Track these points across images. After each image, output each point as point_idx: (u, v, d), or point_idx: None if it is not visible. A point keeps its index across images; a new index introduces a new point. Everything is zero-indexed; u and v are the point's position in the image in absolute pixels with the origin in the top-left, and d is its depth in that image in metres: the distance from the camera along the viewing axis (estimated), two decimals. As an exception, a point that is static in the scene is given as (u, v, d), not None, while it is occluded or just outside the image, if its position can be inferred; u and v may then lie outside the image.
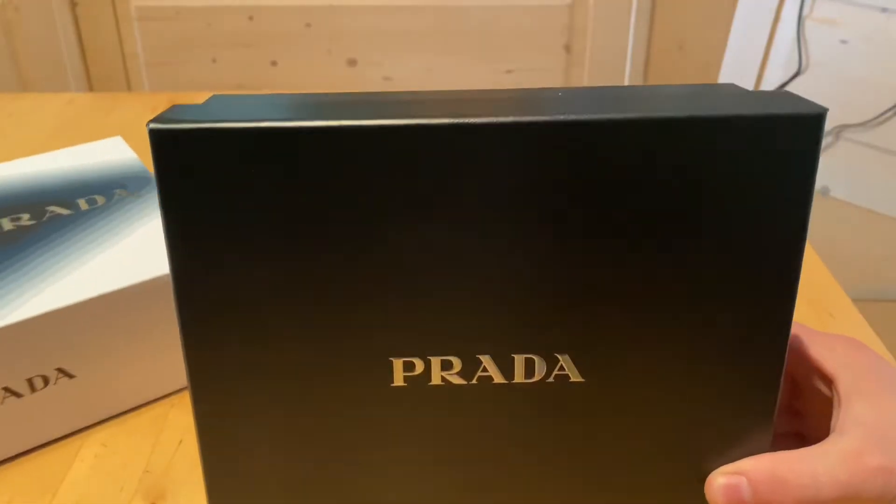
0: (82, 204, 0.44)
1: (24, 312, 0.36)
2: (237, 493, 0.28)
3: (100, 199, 0.45)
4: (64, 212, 0.43)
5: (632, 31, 1.76)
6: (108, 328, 0.38)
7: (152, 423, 0.42)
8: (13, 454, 0.40)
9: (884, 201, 1.67)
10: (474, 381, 0.27)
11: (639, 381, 0.27)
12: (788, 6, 1.65)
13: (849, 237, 1.60)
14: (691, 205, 0.25)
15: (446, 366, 0.26)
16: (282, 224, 0.25)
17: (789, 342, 0.27)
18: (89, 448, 0.41)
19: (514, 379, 0.27)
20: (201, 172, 0.24)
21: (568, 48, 1.77)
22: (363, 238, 0.25)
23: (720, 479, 0.27)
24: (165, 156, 0.24)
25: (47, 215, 0.43)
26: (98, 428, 0.42)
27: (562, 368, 0.27)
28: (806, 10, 1.64)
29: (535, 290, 0.26)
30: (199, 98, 0.87)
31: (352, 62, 1.76)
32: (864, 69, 1.60)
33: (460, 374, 0.27)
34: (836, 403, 0.28)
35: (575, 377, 0.27)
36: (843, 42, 1.61)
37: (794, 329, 0.30)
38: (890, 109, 1.59)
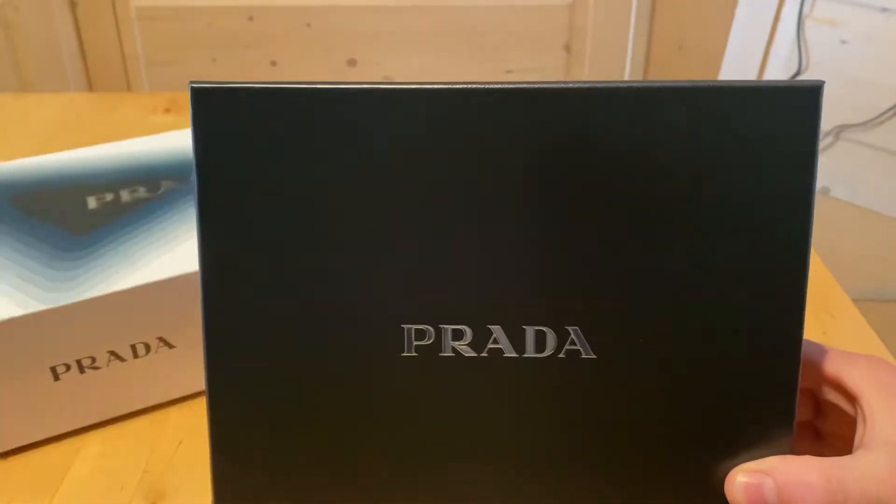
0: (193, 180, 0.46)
1: (132, 281, 0.38)
2: (244, 479, 0.28)
3: None
4: (177, 186, 0.46)
5: (632, 30, 1.76)
6: None
7: (152, 423, 0.42)
8: (119, 414, 0.42)
9: (884, 201, 1.67)
10: (484, 354, 0.27)
11: (651, 361, 0.27)
12: (788, 6, 1.65)
13: (849, 237, 1.60)
14: (700, 174, 0.25)
15: (457, 336, 0.27)
16: (302, 187, 0.26)
17: (811, 359, 0.27)
18: (89, 448, 0.41)
19: (524, 353, 0.27)
20: (232, 130, 0.26)
21: (568, 48, 1.77)
22: (380, 204, 0.26)
23: (741, 478, 0.26)
24: (202, 110, 0.26)
25: (162, 188, 0.46)
26: (98, 429, 0.42)
27: (573, 343, 0.27)
28: (806, 10, 1.64)
29: (545, 261, 0.26)
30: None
31: (352, 62, 1.76)
32: (864, 69, 1.60)
33: (471, 345, 0.27)
34: (860, 420, 0.27)
35: (586, 353, 0.27)
36: (844, 42, 1.61)
37: (816, 347, 0.29)
38: (890, 109, 1.59)
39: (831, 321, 0.49)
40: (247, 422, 0.27)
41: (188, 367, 0.42)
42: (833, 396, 0.29)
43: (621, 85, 0.25)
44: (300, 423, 0.27)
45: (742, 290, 0.26)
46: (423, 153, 0.26)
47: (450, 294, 0.27)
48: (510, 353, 0.27)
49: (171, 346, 0.41)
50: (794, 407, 0.27)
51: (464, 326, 0.27)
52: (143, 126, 0.71)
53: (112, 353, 0.39)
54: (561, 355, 0.27)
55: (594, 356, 0.27)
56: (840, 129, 1.66)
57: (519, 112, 0.25)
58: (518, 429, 0.27)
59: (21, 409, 0.39)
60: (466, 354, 0.27)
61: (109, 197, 0.45)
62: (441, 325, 0.27)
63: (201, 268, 0.27)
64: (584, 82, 0.25)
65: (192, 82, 0.26)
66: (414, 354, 0.27)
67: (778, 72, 1.70)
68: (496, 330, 0.27)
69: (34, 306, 0.36)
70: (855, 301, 0.51)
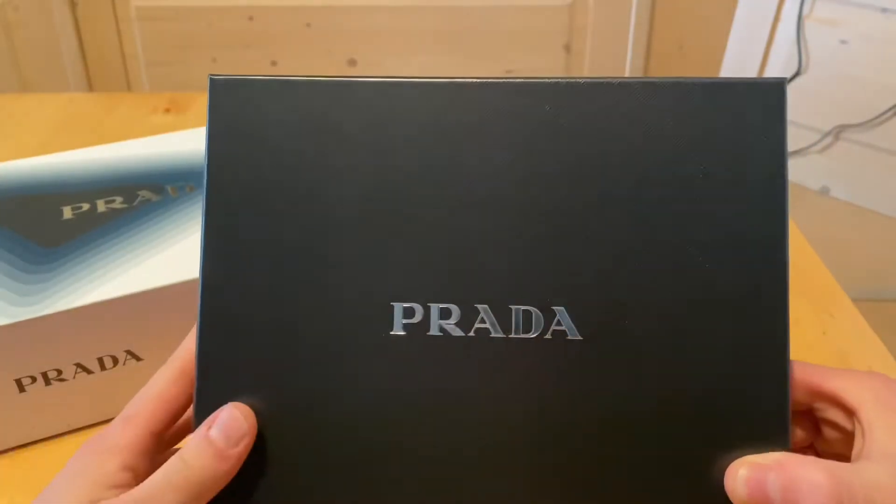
0: (172, 190, 0.46)
1: (99, 295, 0.37)
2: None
3: (189, 187, 0.46)
4: (154, 197, 0.45)
5: (632, 31, 1.76)
6: (178, 316, 0.39)
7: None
8: (85, 425, 0.41)
9: (884, 201, 1.67)
10: (472, 334, 0.27)
11: (638, 344, 0.27)
12: (788, 6, 1.65)
13: (849, 237, 1.60)
14: (675, 163, 0.27)
15: (445, 315, 0.27)
16: (304, 172, 0.28)
17: (808, 378, 0.26)
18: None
19: (511, 333, 0.27)
20: (246, 118, 0.28)
21: (568, 48, 1.77)
22: (373, 187, 0.28)
23: (744, 471, 0.26)
24: (218, 100, 0.28)
25: (138, 199, 0.45)
26: (97, 429, 0.42)
27: (559, 324, 0.27)
28: (806, 10, 1.64)
29: (531, 242, 0.27)
30: (200, 98, 0.87)
31: (352, 62, 1.76)
32: (864, 69, 1.60)
33: (458, 324, 0.27)
34: (858, 434, 0.26)
35: (573, 335, 0.27)
36: (843, 42, 1.61)
37: (813, 368, 0.28)
38: (890, 109, 1.59)
39: (831, 321, 0.49)
40: (234, 397, 0.28)
41: None
42: (831, 413, 0.28)
43: (597, 80, 0.27)
44: (288, 402, 0.27)
45: (725, 272, 0.27)
46: (418, 141, 0.28)
47: (438, 273, 0.27)
48: (497, 334, 0.27)
49: (139, 359, 0.40)
50: (787, 395, 0.27)
51: (451, 305, 0.27)
52: (143, 126, 0.71)
53: (79, 365, 0.39)
54: (547, 336, 0.27)
55: (580, 337, 0.27)
56: (840, 129, 1.66)
57: (504, 104, 0.28)
58: (504, 410, 0.27)
59: None
60: (454, 334, 0.27)
61: (85, 207, 0.44)
62: (429, 304, 0.27)
63: (203, 242, 0.28)
64: (560, 77, 0.27)
65: (211, 75, 0.29)
66: (402, 333, 0.27)
67: (778, 72, 1.70)
68: (483, 309, 0.27)
69: (0, 320, 0.36)
70: (855, 301, 0.51)
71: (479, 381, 0.27)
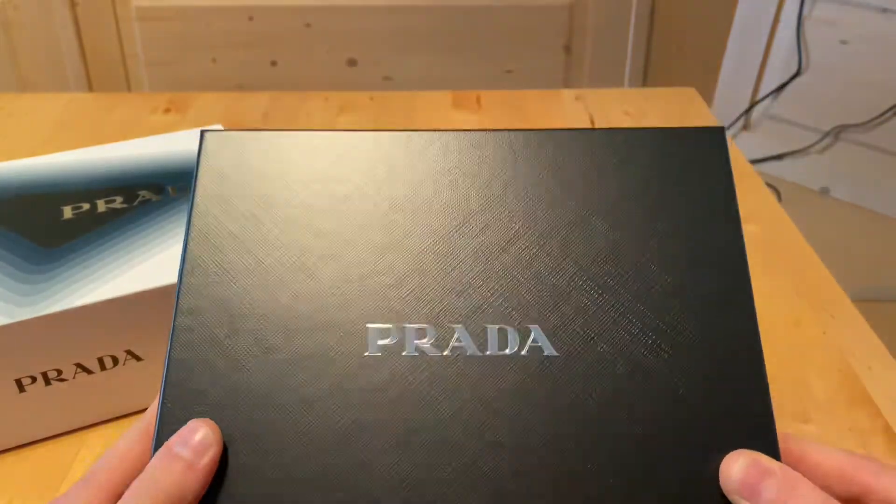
0: (172, 191, 0.46)
1: (99, 295, 0.38)
2: None
3: (188, 188, 0.46)
4: (154, 197, 0.45)
5: (631, 31, 1.76)
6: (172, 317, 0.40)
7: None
8: (85, 425, 0.42)
9: (884, 201, 1.67)
10: (447, 353, 0.27)
11: (613, 358, 0.27)
12: (788, 7, 1.65)
13: (849, 237, 1.60)
14: (632, 197, 0.30)
15: (420, 335, 0.28)
16: (278, 209, 0.30)
17: (859, 475, 0.26)
18: (89, 449, 0.41)
19: (487, 350, 0.27)
20: (230, 166, 0.31)
21: (568, 48, 1.77)
22: (349, 218, 0.30)
23: (743, 459, 0.25)
24: (209, 152, 0.31)
25: (138, 199, 0.45)
26: (97, 429, 0.42)
27: (535, 341, 0.28)
28: (806, 11, 1.64)
29: (504, 267, 0.29)
30: (200, 98, 0.87)
31: (352, 62, 1.76)
32: (863, 70, 1.60)
33: (434, 344, 0.28)
34: None
35: (549, 351, 0.27)
36: (843, 42, 1.61)
37: (866, 463, 0.26)
38: (890, 109, 1.59)
39: (831, 321, 0.49)
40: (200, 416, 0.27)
41: (157, 379, 0.40)
42: None
43: (558, 132, 0.31)
44: (258, 425, 0.27)
45: (689, 285, 0.29)
46: (391, 182, 0.30)
47: (412, 295, 0.28)
48: (473, 352, 0.27)
49: (139, 359, 0.40)
50: (769, 402, 0.27)
51: (426, 325, 0.28)
52: (143, 126, 0.71)
53: (79, 365, 0.39)
54: (524, 353, 0.27)
55: (556, 353, 0.27)
56: (840, 130, 1.66)
57: (474, 151, 0.31)
58: (483, 426, 0.27)
59: None
60: (430, 354, 0.27)
61: (85, 207, 0.44)
62: (404, 325, 0.28)
63: (181, 269, 0.29)
64: (526, 130, 0.31)
65: (202, 130, 0.32)
66: (377, 354, 0.27)
67: (777, 72, 1.70)
68: (458, 329, 0.28)
69: (0, 320, 0.36)
70: (855, 301, 0.51)
71: (457, 398, 0.27)
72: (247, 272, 0.29)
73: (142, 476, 0.24)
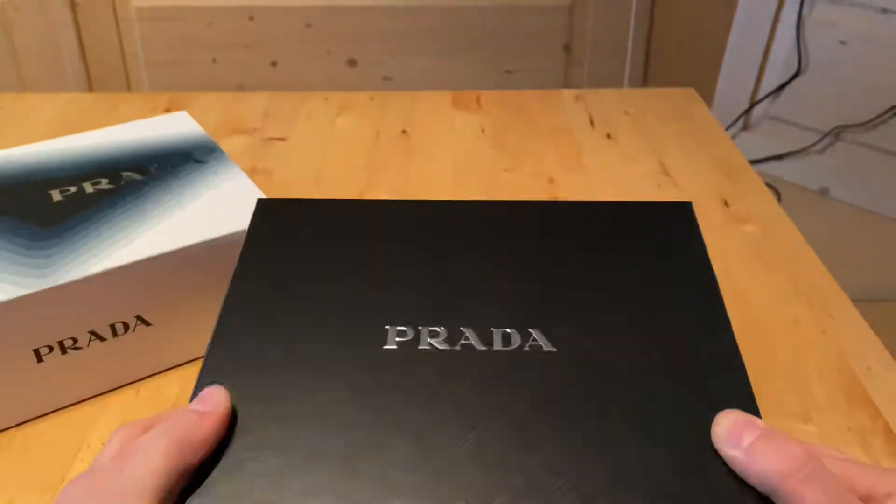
0: (155, 170, 0.49)
1: (108, 263, 0.40)
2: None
3: (171, 166, 0.49)
4: (138, 177, 0.48)
5: (631, 31, 1.76)
6: (181, 281, 0.43)
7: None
8: (100, 391, 0.44)
9: (883, 202, 1.67)
10: (457, 348, 0.32)
11: (603, 353, 0.32)
12: (788, 7, 1.65)
13: (849, 237, 1.60)
14: (618, 263, 0.36)
15: (433, 334, 0.32)
16: (326, 255, 0.37)
17: (863, 486, 0.26)
18: (91, 447, 0.41)
19: (493, 347, 0.32)
20: (285, 228, 0.38)
21: (567, 49, 1.77)
22: (379, 255, 0.36)
23: (730, 414, 0.28)
24: (261, 216, 0.39)
25: (123, 180, 0.47)
26: (99, 427, 0.42)
27: (535, 340, 0.32)
28: (805, 11, 1.64)
29: (506, 284, 0.35)
30: (200, 98, 0.87)
31: (352, 62, 1.77)
32: (863, 70, 1.60)
33: (446, 341, 0.32)
34: None
35: (547, 347, 0.32)
36: (843, 43, 1.61)
37: (865, 470, 0.27)
38: (889, 110, 1.59)
39: (831, 321, 0.49)
40: (241, 395, 0.30)
41: (166, 342, 0.44)
42: None
43: (543, 205, 0.39)
44: (284, 401, 0.30)
45: (667, 303, 0.34)
46: (415, 237, 0.37)
47: (428, 304, 0.33)
48: (480, 347, 0.32)
49: (148, 324, 0.43)
50: (747, 381, 0.30)
51: (439, 328, 0.32)
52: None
53: (92, 332, 0.41)
54: (525, 349, 0.32)
55: (554, 349, 0.32)
56: (839, 130, 1.66)
57: (473, 218, 0.39)
58: (488, 411, 0.29)
59: (5, 391, 0.40)
60: (441, 348, 0.32)
61: (73, 190, 0.46)
62: (419, 326, 0.32)
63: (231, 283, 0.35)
64: (520, 202, 0.40)
65: (260, 200, 0.40)
66: (394, 347, 0.32)
67: (777, 72, 1.70)
68: (468, 331, 0.32)
69: (16, 291, 0.38)
70: (855, 301, 0.51)
71: (465, 384, 0.30)
72: (287, 294, 0.35)
73: (161, 421, 0.28)
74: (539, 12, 1.72)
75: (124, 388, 0.44)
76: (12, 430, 0.41)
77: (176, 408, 0.29)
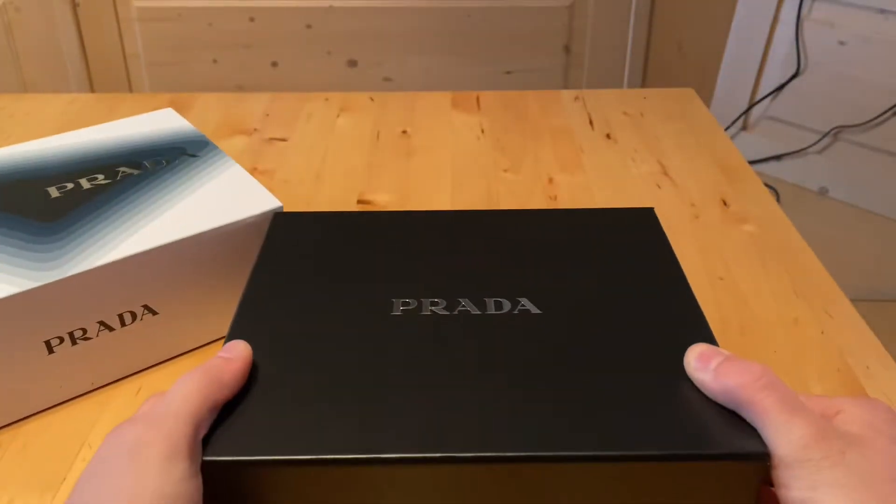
0: (149, 165, 0.49)
1: (116, 254, 0.41)
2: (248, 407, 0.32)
3: (165, 161, 0.50)
4: (134, 172, 0.49)
5: (631, 32, 1.76)
6: (187, 269, 0.44)
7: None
8: (109, 381, 0.44)
9: (882, 202, 1.67)
10: (455, 313, 0.36)
11: (583, 314, 0.36)
12: (787, 7, 1.66)
13: (848, 237, 1.60)
14: (600, 268, 0.39)
15: (434, 304, 0.37)
16: (339, 256, 0.40)
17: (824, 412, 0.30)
18: (91, 447, 0.41)
19: (487, 311, 0.36)
20: (302, 239, 0.42)
21: (567, 49, 1.77)
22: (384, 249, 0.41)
23: (700, 345, 0.32)
24: (275, 232, 0.42)
25: (119, 175, 0.48)
26: (99, 426, 0.42)
27: (523, 306, 0.36)
28: (804, 12, 1.64)
29: (497, 271, 0.39)
30: (201, 98, 0.87)
31: (352, 63, 1.77)
32: (862, 70, 1.60)
33: (445, 308, 0.36)
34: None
35: (535, 311, 0.36)
36: (842, 43, 1.62)
37: (823, 400, 0.30)
38: (888, 110, 1.59)
39: (830, 321, 0.49)
40: (262, 351, 0.34)
41: (173, 331, 0.45)
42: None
43: (525, 212, 0.44)
44: (302, 353, 0.34)
45: (636, 279, 0.38)
46: (414, 239, 0.41)
47: (429, 283, 0.38)
48: (475, 312, 0.36)
49: (155, 313, 0.44)
50: (709, 330, 0.35)
51: (439, 299, 0.37)
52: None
53: (101, 323, 0.42)
54: (515, 312, 0.36)
55: (541, 312, 0.36)
56: (838, 130, 1.67)
57: (467, 224, 0.43)
58: (483, 363, 0.33)
59: (17, 383, 0.41)
60: (440, 313, 0.36)
61: (70, 186, 0.47)
62: (421, 299, 0.37)
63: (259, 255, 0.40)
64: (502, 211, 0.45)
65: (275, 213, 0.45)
66: (400, 313, 0.36)
67: (776, 73, 1.71)
68: (464, 300, 0.37)
69: (27, 284, 0.38)
70: (854, 301, 0.52)
71: (463, 340, 0.34)
72: (304, 275, 0.39)
73: (193, 369, 0.31)
74: (539, 12, 1.72)
75: (125, 386, 0.44)
76: (13, 430, 0.41)
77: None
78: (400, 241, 0.41)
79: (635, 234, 0.42)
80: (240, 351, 0.33)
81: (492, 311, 0.36)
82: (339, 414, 0.30)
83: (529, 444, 0.29)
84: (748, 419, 0.29)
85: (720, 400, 0.30)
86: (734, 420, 0.29)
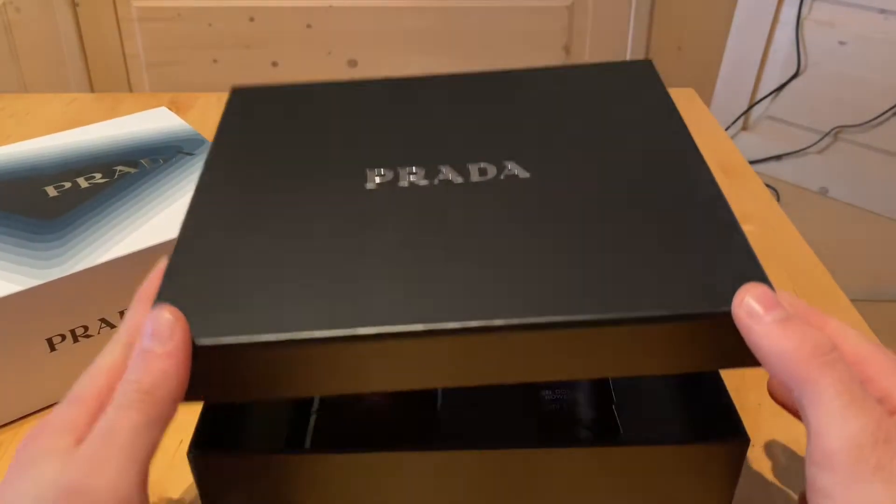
0: (146, 163, 0.50)
1: (117, 252, 0.41)
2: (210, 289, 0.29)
3: (162, 159, 0.50)
4: (131, 170, 0.49)
5: (631, 32, 1.76)
6: None
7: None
8: None
9: (882, 202, 1.67)
10: (437, 183, 0.32)
11: (575, 178, 0.32)
12: (787, 8, 1.66)
13: (848, 237, 1.60)
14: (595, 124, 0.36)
15: (412, 174, 0.33)
16: (302, 127, 0.37)
17: (872, 378, 0.26)
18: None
19: (470, 179, 0.33)
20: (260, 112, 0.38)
21: (567, 49, 1.77)
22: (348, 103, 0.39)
23: (760, 289, 0.26)
24: (234, 104, 0.39)
25: (117, 174, 0.48)
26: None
27: (510, 170, 0.33)
28: (804, 12, 1.64)
29: (480, 128, 0.36)
30: (201, 98, 0.87)
31: (352, 63, 1.77)
32: (862, 70, 1.60)
33: (424, 177, 0.33)
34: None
35: (522, 175, 0.33)
36: (842, 43, 1.62)
37: (885, 363, 0.26)
38: (888, 110, 1.59)
39: (829, 321, 0.49)
40: (228, 232, 0.31)
41: None
42: None
43: (523, 71, 0.42)
44: (280, 235, 0.30)
45: (632, 140, 0.35)
46: (389, 103, 0.38)
47: (404, 144, 0.35)
48: (458, 181, 0.32)
49: None
50: (728, 206, 0.31)
51: (416, 168, 0.33)
52: (145, 126, 0.71)
53: (103, 320, 0.42)
54: (501, 178, 0.33)
55: (528, 175, 0.33)
56: (838, 130, 1.67)
57: (445, 88, 0.40)
58: (467, 233, 0.30)
59: (20, 381, 0.41)
60: (420, 183, 0.32)
61: (67, 185, 0.47)
62: (397, 168, 0.33)
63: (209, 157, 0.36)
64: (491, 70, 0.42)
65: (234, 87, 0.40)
66: (375, 186, 0.32)
67: (776, 73, 1.71)
68: (444, 167, 0.33)
69: (30, 282, 0.38)
70: (854, 301, 0.52)
71: (446, 213, 0.31)
72: (268, 145, 0.36)
73: (121, 382, 0.25)
74: (539, 12, 1.72)
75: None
76: (14, 428, 0.42)
77: (132, 357, 0.26)
78: (372, 109, 0.38)
79: (631, 89, 0.38)
80: (170, 328, 0.25)
81: (476, 177, 0.33)
82: (319, 292, 0.27)
83: (523, 310, 0.26)
84: (796, 394, 0.24)
85: (764, 358, 0.25)
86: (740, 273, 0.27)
